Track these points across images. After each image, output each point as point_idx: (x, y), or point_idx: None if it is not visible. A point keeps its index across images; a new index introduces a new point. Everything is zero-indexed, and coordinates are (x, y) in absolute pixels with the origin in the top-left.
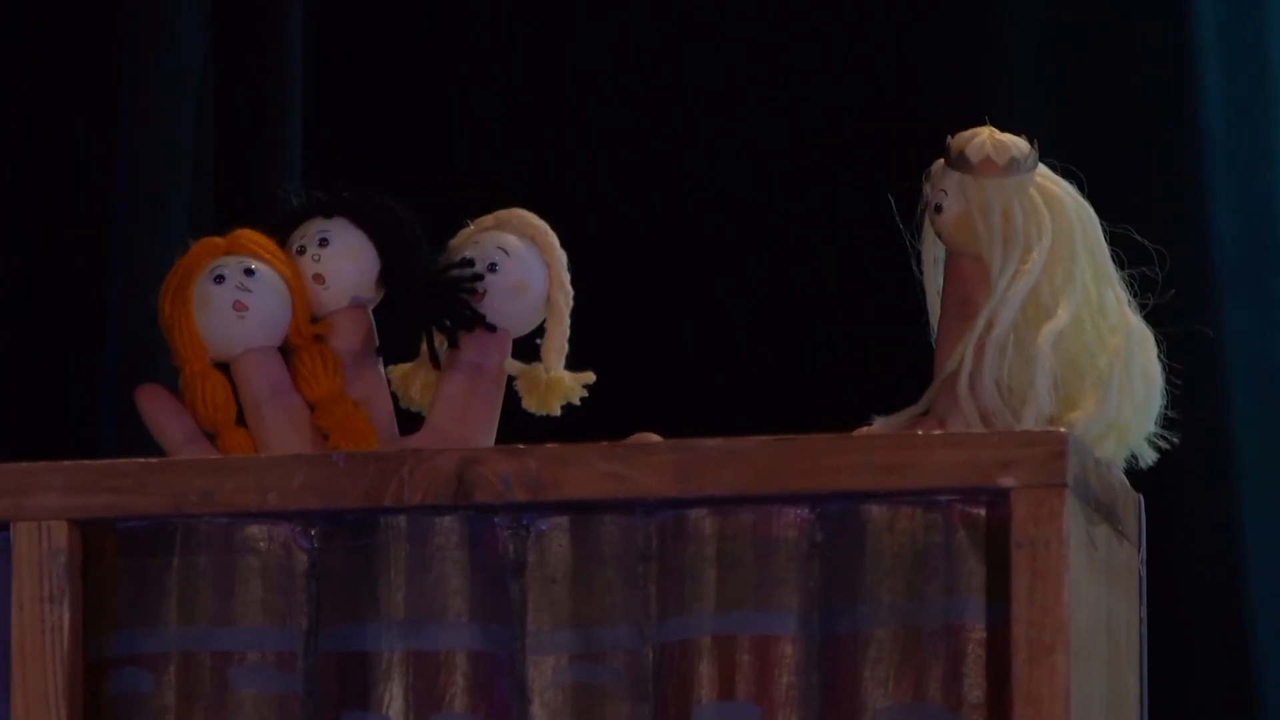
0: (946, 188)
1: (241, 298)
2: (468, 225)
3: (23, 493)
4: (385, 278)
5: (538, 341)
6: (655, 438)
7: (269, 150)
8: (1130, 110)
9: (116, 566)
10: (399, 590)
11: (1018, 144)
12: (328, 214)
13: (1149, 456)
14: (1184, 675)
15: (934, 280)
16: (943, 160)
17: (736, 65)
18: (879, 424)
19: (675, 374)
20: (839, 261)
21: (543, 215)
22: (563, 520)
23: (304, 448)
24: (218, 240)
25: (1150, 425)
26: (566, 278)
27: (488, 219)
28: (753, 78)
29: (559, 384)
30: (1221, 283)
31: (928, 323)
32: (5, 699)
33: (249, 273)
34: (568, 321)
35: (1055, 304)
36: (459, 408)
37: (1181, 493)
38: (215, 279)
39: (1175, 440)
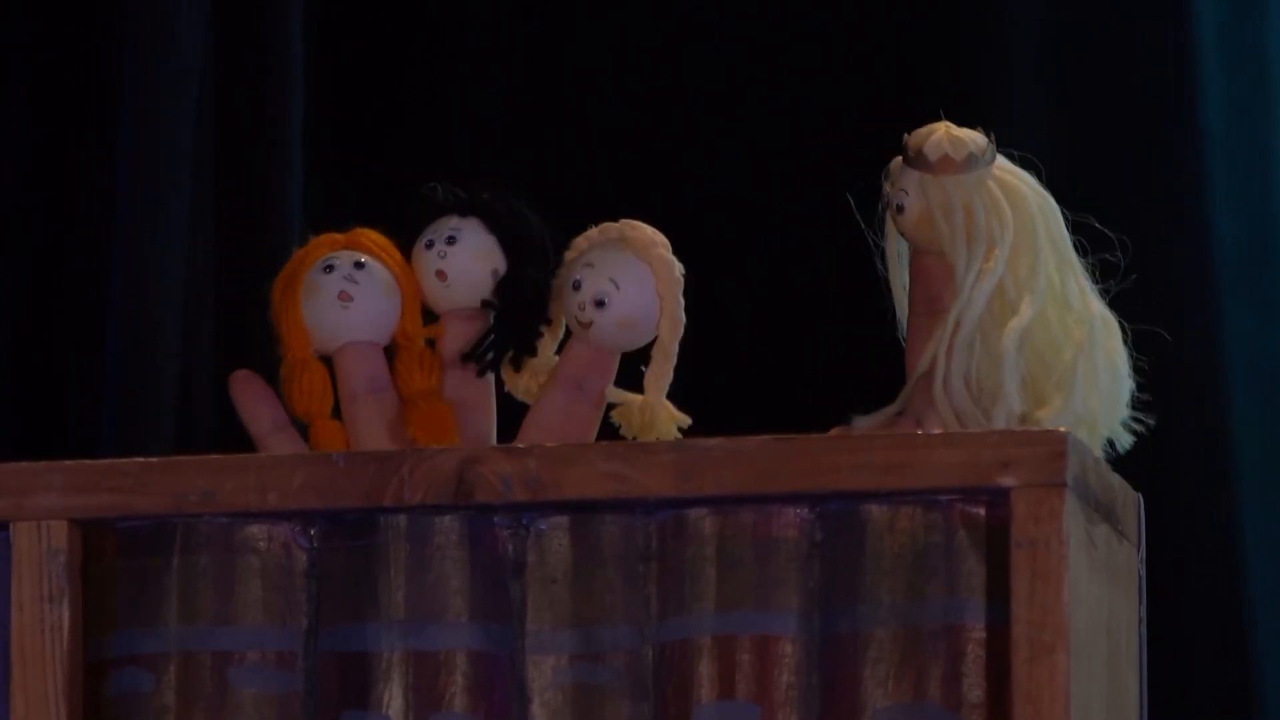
0: (906, 187)
1: (347, 288)
2: (591, 230)
3: (23, 492)
4: (501, 286)
5: (643, 369)
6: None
7: (269, 150)
8: (1130, 110)
9: (116, 566)
10: (399, 590)
11: (975, 139)
12: (463, 213)
13: (1125, 441)
14: (1184, 675)
15: (899, 278)
16: (901, 158)
17: (736, 65)
18: (858, 424)
19: (676, 374)
20: (839, 261)
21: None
22: (563, 520)
23: (393, 444)
24: (336, 236)
25: (1121, 412)
26: (679, 310)
27: (612, 229)
28: (753, 78)
29: (656, 418)
30: (1222, 283)
31: (895, 320)
32: (5, 699)
33: (358, 265)
34: (674, 353)
35: (1020, 299)
36: (553, 428)
37: (1181, 492)
38: (325, 268)
39: (1151, 422)
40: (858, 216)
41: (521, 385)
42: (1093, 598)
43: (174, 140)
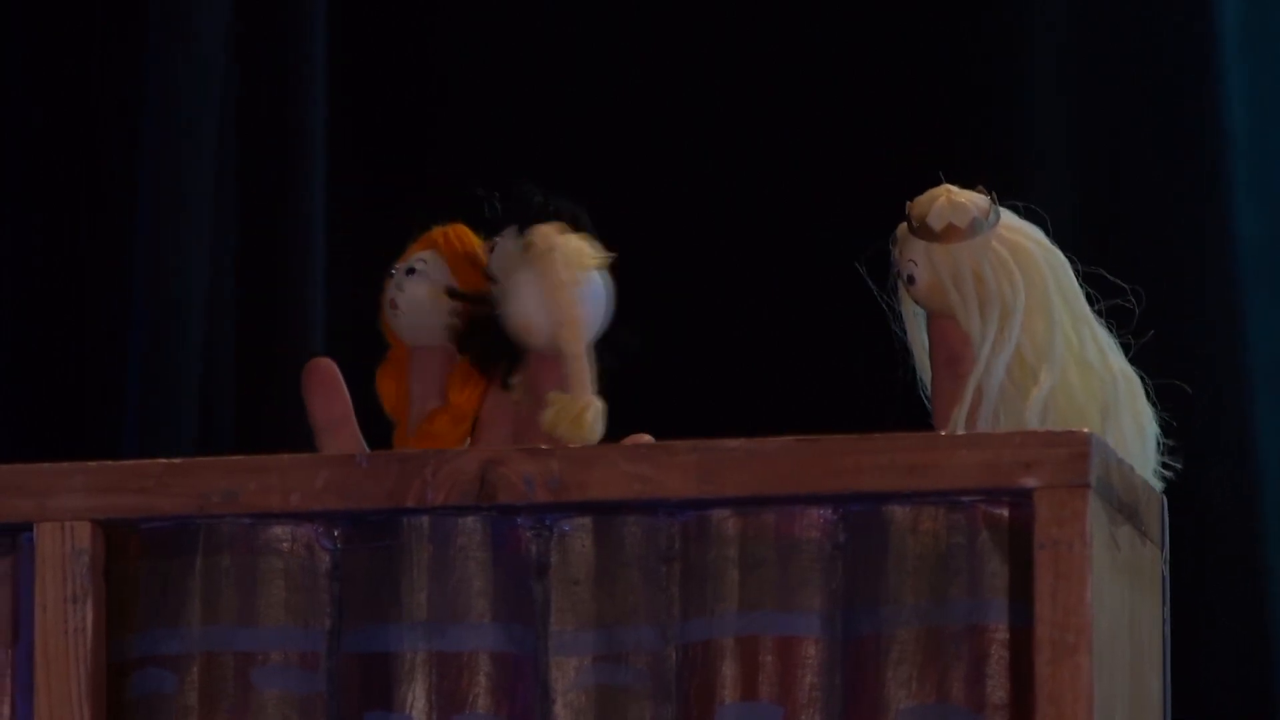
0: (915, 257)
1: (395, 296)
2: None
3: (46, 493)
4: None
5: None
6: (648, 438)
7: (292, 149)
8: (1152, 111)
9: (139, 567)
10: (422, 591)
11: (977, 202)
12: (525, 223)
13: (1156, 487)
14: (1207, 676)
15: (918, 338)
16: (905, 225)
17: (764, 73)
18: None
19: (697, 375)
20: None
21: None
22: (586, 521)
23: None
24: (433, 233)
25: (1151, 464)
26: (575, 309)
27: (528, 233)
28: (780, 86)
29: (585, 416)
30: (1244, 282)
31: (917, 379)
32: (29, 699)
33: (410, 272)
34: (579, 353)
35: (1039, 362)
36: (499, 430)
37: (1205, 493)
38: (390, 274)
39: (1178, 466)
40: (870, 284)
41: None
42: (1116, 599)
43: (196, 140)
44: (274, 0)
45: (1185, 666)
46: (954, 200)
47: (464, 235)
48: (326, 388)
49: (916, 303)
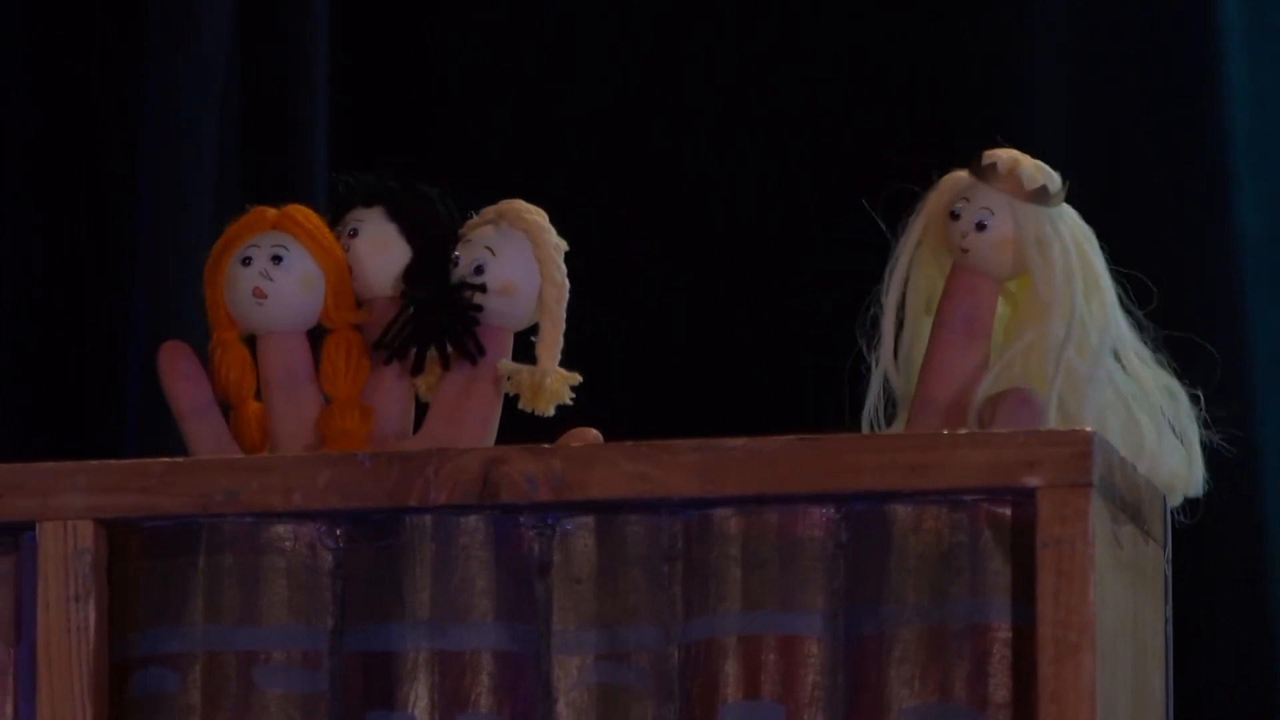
0: (992, 207)
1: (261, 285)
2: (471, 216)
3: (48, 492)
4: (406, 277)
5: (533, 339)
6: (595, 434)
7: (293, 148)
8: (1153, 111)
9: (142, 566)
10: (424, 590)
11: (1055, 173)
12: (367, 203)
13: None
14: (1209, 676)
15: (901, 286)
16: (968, 173)
17: (761, 72)
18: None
19: (699, 374)
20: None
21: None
22: (588, 520)
23: (304, 439)
24: (269, 213)
25: (1199, 473)
26: (559, 274)
27: (489, 210)
28: (780, 82)
29: (545, 384)
30: (1246, 281)
31: (876, 324)
32: (31, 698)
33: (275, 260)
34: (560, 318)
35: (1099, 343)
36: (452, 409)
37: (1207, 492)
38: (244, 260)
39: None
40: (880, 222)
41: (424, 384)
42: (1118, 598)
43: (197, 139)
44: (275, 0)
45: (1188, 666)
46: (1039, 164)
47: (310, 215)
48: (180, 374)
49: (966, 251)
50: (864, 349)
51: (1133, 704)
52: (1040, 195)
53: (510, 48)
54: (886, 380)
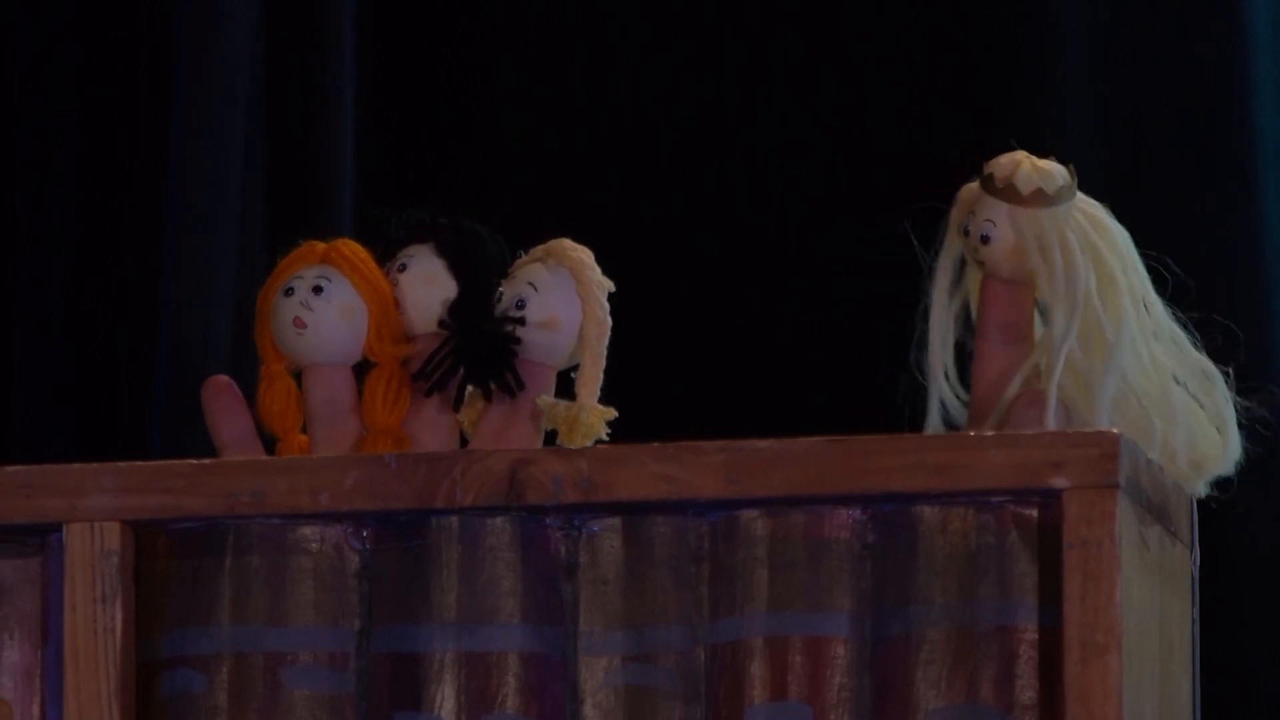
0: (993, 218)
1: (302, 315)
2: (520, 255)
3: (75, 494)
4: (450, 311)
5: (573, 375)
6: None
7: (321, 145)
8: (1181, 108)
9: (169, 567)
10: (451, 591)
11: (1060, 171)
12: (419, 239)
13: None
14: (1236, 677)
15: (945, 304)
16: (978, 186)
17: (780, 74)
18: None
19: (725, 376)
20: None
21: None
22: (614, 521)
23: None
24: (318, 247)
25: (1236, 452)
26: (601, 311)
27: (538, 249)
28: (798, 87)
29: (581, 419)
30: (1272, 278)
31: (924, 341)
32: (58, 699)
33: (316, 290)
34: (601, 355)
35: (1112, 336)
36: (492, 442)
37: (1234, 493)
38: (286, 291)
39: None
40: (913, 239)
41: (467, 418)
42: (1145, 599)
43: (225, 137)
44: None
45: (1215, 667)
46: (1039, 166)
47: (358, 250)
48: (229, 405)
49: (983, 264)
50: (917, 373)
51: (1159, 705)
52: (1039, 198)
53: (544, 44)
54: (942, 401)
